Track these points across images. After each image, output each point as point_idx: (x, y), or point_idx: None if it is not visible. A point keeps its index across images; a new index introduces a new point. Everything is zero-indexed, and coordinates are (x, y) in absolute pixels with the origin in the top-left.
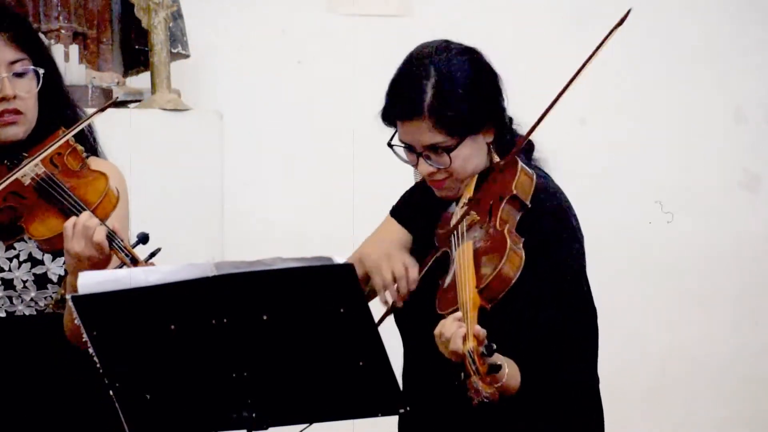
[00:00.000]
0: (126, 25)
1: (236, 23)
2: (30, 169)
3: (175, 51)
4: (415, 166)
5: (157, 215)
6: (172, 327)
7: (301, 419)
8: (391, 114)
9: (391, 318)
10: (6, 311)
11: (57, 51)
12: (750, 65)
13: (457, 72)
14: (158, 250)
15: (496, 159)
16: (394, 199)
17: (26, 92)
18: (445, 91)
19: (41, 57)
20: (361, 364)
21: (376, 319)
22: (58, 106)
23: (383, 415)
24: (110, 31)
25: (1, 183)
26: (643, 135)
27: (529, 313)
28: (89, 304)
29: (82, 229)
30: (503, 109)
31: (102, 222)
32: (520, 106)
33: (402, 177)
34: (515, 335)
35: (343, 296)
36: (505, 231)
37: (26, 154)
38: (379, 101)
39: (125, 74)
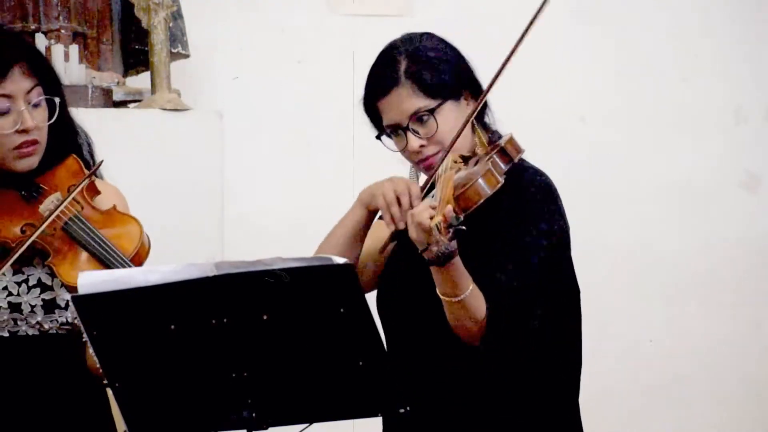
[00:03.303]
0: (126, 25)
1: (236, 23)
2: (53, 206)
3: (175, 51)
4: (405, 148)
5: (157, 215)
6: (172, 327)
7: (301, 419)
8: (372, 96)
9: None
10: (9, 331)
11: (57, 51)
12: (750, 65)
13: (426, 44)
14: None
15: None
16: None
17: (42, 122)
18: (418, 57)
19: (52, 85)
20: (361, 364)
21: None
22: (66, 132)
23: (383, 415)
24: (110, 31)
25: (36, 231)
26: (643, 134)
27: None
28: (89, 304)
29: None
30: (476, 79)
31: None
32: (520, 106)
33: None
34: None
35: (343, 296)
36: (489, 161)
37: (46, 187)
38: None
39: (125, 74)
